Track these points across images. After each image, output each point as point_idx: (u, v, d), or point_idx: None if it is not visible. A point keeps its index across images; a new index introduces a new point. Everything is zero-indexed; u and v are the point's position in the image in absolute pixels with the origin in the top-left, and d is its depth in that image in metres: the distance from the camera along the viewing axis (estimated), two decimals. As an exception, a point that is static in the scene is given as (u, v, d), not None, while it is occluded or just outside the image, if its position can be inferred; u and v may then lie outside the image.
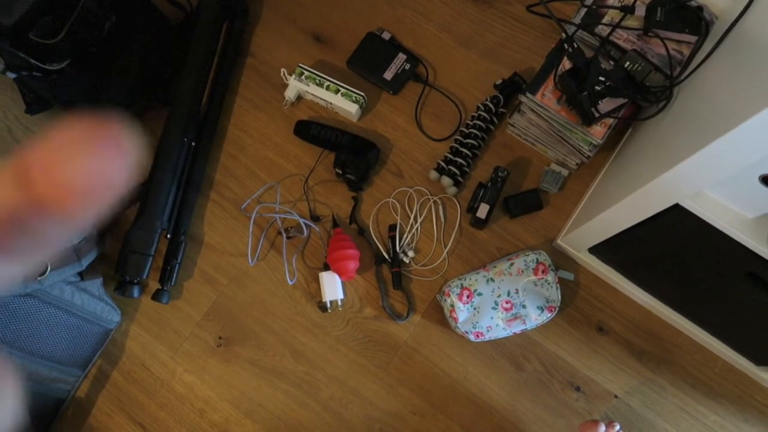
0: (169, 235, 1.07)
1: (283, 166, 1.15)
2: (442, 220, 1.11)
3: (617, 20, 1.03)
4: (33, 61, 1.00)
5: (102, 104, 1.11)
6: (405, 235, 1.10)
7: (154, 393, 1.05)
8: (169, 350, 1.07)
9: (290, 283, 1.08)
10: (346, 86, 1.13)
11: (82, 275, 1.02)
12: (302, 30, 1.23)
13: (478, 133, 1.11)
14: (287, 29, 1.23)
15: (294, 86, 1.14)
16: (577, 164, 1.10)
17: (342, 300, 1.07)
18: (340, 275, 1.05)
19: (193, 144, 1.11)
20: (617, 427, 0.94)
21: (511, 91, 1.15)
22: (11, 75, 1.00)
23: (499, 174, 1.07)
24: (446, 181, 1.10)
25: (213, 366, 1.06)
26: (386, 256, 1.09)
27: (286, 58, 1.21)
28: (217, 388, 1.05)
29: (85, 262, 1.00)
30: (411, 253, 1.08)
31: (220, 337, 1.07)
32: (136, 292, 1.03)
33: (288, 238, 1.10)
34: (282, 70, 1.17)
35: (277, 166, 1.15)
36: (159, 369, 1.06)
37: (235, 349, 1.06)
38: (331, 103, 1.14)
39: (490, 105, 1.12)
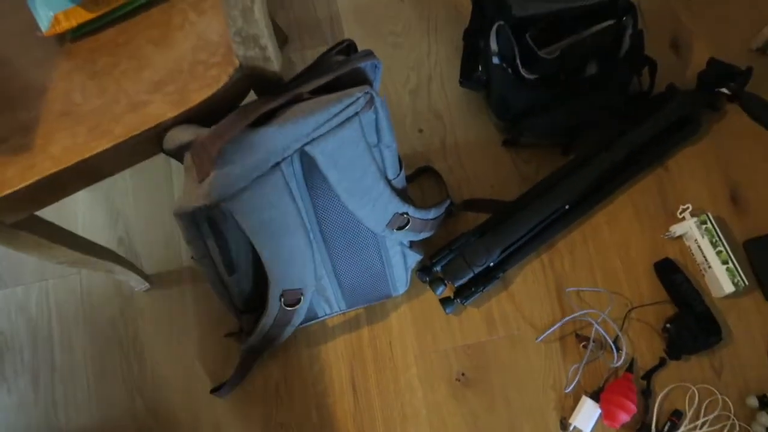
0: (492, 263, 1.08)
1: (621, 283, 1.11)
2: (729, 446, 1.01)
3: None
4: (518, 60, 1.03)
5: (529, 120, 1.12)
6: (682, 429, 1.02)
7: (381, 369, 1.09)
8: (419, 349, 1.09)
9: (566, 391, 1.05)
10: (736, 263, 1.05)
11: (412, 243, 1.06)
12: (725, 177, 1.15)
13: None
14: (713, 167, 1.16)
15: (688, 227, 1.08)
16: None
17: (586, 434, 1.02)
18: (604, 415, 1.00)
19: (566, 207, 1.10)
20: None
21: None
22: (495, 60, 1.04)
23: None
24: (765, 418, 0.99)
25: (441, 392, 1.07)
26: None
27: (692, 192, 1.15)
28: (431, 410, 1.06)
29: (423, 234, 1.04)
30: (678, 452, 1.00)
31: (462, 374, 1.08)
32: (440, 290, 1.06)
33: (583, 347, 1.07)
34: (684, 206, 1.11)
35: (615, 278, 1.11)
36: (399, 356, 1.10)
37: (468, 394, 1.07)
38: (709, 267, 1.06)
39: None
